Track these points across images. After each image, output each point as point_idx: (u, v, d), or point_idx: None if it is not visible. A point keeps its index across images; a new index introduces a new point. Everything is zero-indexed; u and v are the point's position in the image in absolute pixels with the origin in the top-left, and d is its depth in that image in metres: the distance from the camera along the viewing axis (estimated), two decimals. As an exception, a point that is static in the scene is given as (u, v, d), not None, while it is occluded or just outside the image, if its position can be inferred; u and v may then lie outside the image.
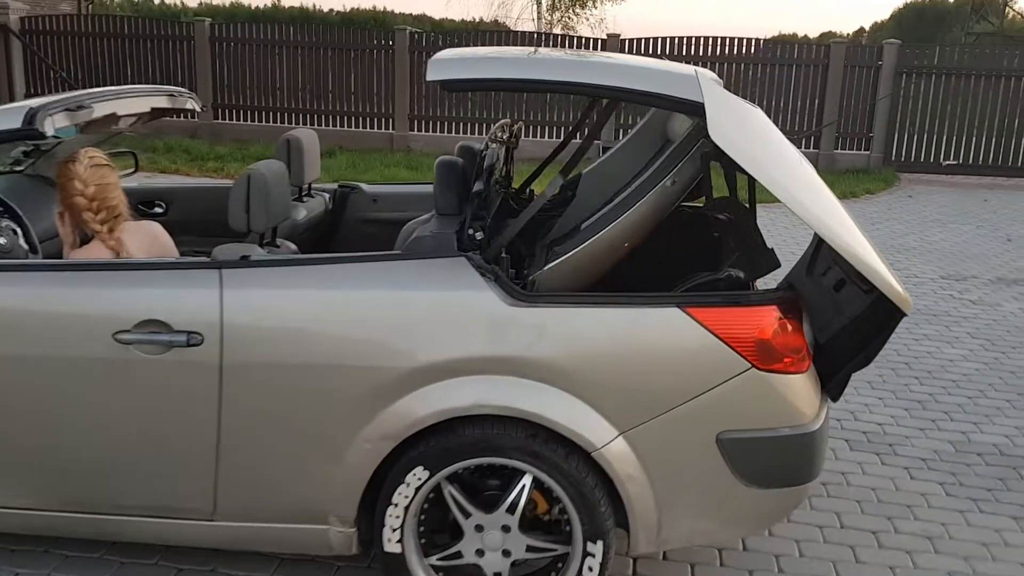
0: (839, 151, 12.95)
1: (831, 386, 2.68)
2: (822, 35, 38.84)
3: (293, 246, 3.10)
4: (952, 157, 12.85)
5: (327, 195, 3.90)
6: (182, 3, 33.84)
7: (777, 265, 2.64)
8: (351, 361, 2.48)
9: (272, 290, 2.52)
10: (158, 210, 4.13)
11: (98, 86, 13.76)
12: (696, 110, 2.46)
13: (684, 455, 2.49)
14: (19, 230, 3.37)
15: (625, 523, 2.54)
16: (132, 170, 4.35)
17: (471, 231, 2.71)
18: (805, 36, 40.76)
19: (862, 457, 3.92)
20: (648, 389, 2.45)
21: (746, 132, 2.56)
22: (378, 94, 13.40)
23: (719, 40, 13.05)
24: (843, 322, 2.58)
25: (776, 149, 2.67)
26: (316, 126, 13.48)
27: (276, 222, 2.89)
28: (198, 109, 3.78)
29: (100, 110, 3.02)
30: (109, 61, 13.78)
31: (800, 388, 2.51)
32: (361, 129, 13.50)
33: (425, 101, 13.43)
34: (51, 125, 2.69)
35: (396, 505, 2.57)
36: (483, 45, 13.40)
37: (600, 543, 2.52)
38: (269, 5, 30.59)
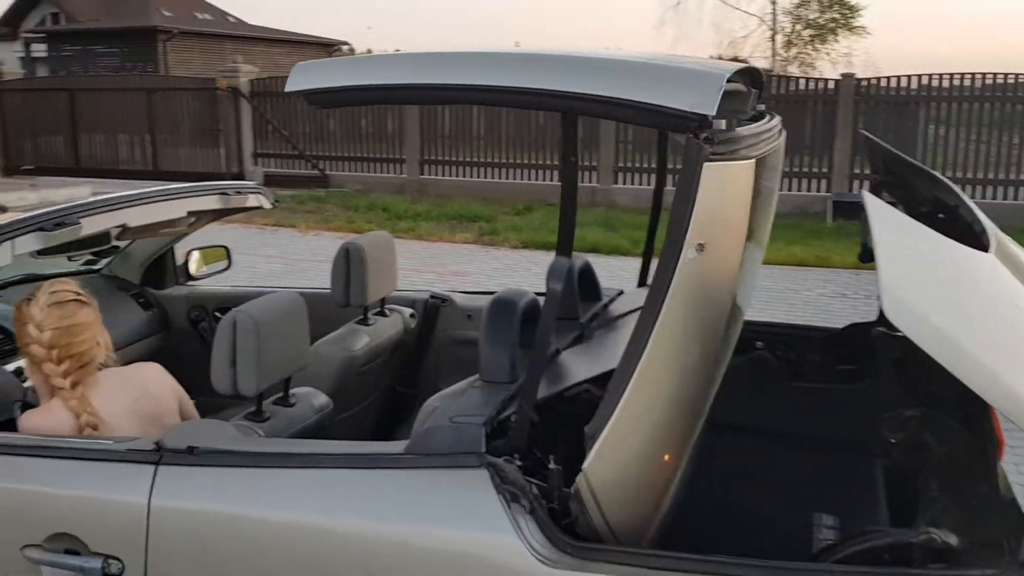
0: None
1: None
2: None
3: (321, 399, 2.34)
4: None
5: (407, 311, 3.13)
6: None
7: None
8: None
9: (212, 504, 1.75)
10: (236, 319, 3.54)
11: (318, 145, 14.17)
12: (693, 127, 1.52)
13: None
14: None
15: None
16: (225, 266, 3.82)
17: (510, 416, 1.81)
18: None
19: None
20: None
21: (948, 299, 1.49)
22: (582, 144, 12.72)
23: (976, 76, 11.20)
24: None
25: (993, 311, 1.56)
26: (524, 180, 12.97)
27: (279, 377, 2.15)
28: (267, 206, 3.16)
29: (95, 224, 2.43)
30: (333, 121, 14.04)
31: None
32: (565, 183, 12.82)
33: (630, 149, 12.56)
34: (7, 253, 2.10)
35: None
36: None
37: None
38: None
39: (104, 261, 3.60)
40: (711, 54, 27.18)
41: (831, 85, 11.84)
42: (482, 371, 1.97)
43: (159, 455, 1.83)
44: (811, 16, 24.52)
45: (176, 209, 2.79)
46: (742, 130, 1.70)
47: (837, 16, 24.26)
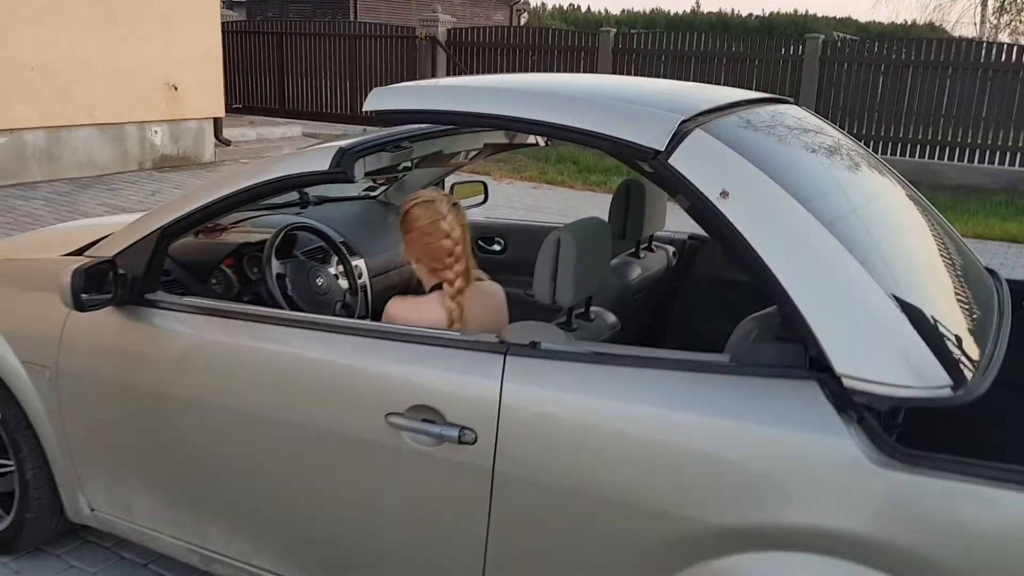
0: None
1: None
2: None
3: (612, 318, 2.58)
4: None
5: (671, 249, 3.32)
6: (606, 11, 34.30)
7: None
8: (640, 500, 1.90)
9: (557, 391, 2.02)
10: (496, 247, 3.85)
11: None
12: (644, 157, 1.97)
13: None
14: (343, 266, 3.24)
15: None
16: (481, 200, 4.13)
17: None
18: None
19: None
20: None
21: None
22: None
23: None
24: None
25: None
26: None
27: (588, 293, 2.39)
28: (541, 144, 3.42)
29: (422, 150, 2.74)
30: (522, 71, 14.36)
31: None
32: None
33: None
34: (361, 168, 2.43)
35: None
36: (914, 51, 11.89)
37: None
38: (688, 11, 29.99)
39: (380, 189, 3.99)
40: (914, 17, 25.63)
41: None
42: None
43: (506, 347, 2.12)
44: (1029, -20, 22.78)
45: (476, 140, 3.08)
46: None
47: (1058, -19, 22.44)
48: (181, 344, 2.52)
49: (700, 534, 1.84)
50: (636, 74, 13.35)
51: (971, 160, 11.49)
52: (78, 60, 9.33)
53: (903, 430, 1.79)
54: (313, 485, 2.34)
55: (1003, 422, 2.54)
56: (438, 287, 2.46)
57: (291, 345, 2.35)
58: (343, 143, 2.47)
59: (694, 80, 12.79)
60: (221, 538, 2.56)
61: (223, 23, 16.38)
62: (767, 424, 1.82)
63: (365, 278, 3.35)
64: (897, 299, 1.80)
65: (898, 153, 11.88)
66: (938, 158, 11.68)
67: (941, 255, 2.43)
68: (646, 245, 3.23)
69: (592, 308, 2.55)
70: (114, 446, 2.68)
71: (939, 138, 11.63)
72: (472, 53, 14.75)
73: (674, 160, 1.95)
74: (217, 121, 11.24)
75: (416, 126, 2.74)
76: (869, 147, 11.86)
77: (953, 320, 2.03)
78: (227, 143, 11.47)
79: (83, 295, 2.45)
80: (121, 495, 2.73)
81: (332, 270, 3.15)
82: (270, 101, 16.39)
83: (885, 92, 11.87)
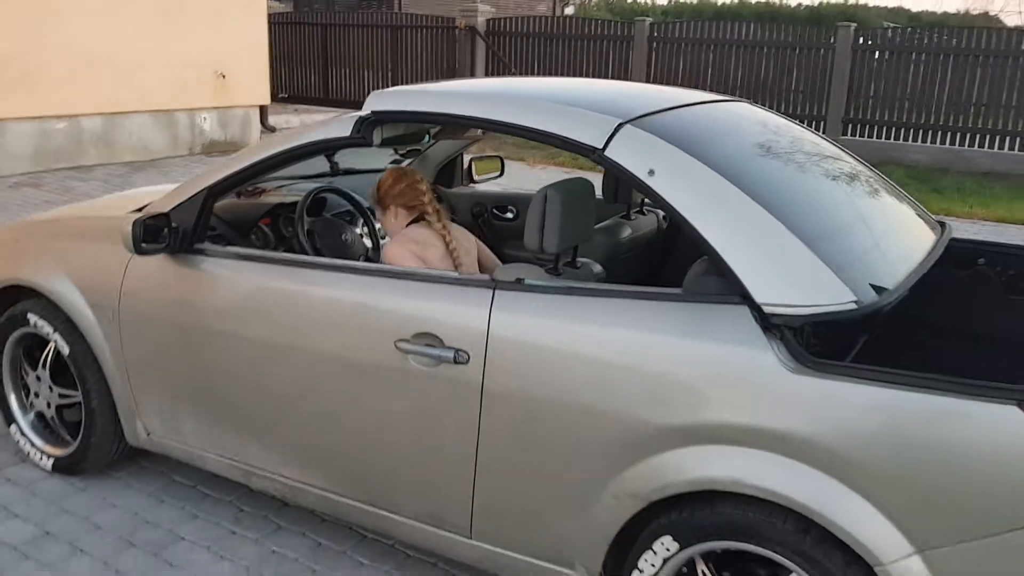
0: None
1: None
2: None
3: (597, 267, 2.94)
4: None
5: (662, 212, 3.66)
6: (652, 1, 33.92)
7: None
8: (603, 405, 2.26)
9: (537, 318, 2.39)
10: (509, 215, 4.22)
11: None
12: (588, 153, 2.42)
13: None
14: (367, 227, 3.64)
15: None
16: (498, 173, 4.50)
17: None
18: None
19: None
20: (966, 504, 1.90)
21: None
22: (814, 94, 12.64)
23: None
24: None
25: None
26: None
27: (572, 243, 2.75)
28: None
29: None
30: (560, 61, 14.67)
31: None
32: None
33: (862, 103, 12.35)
34: (379, 135, 2.81)
35: (642, 572, 2.30)
36: (962, 40, 11.96)
37: None
38: (736, 1, 29.68)
39: (407, 161, 4.38)
40: (964, 6, 25.41)
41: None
42: None
43: (494, 283, 2.49)
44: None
45: None
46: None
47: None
48: (224, 286, 2.93)
49: (651, 433, 2.19)
50: (672, 62, 13.61)
51: (1000, 147, 11.58)
52: (134, 50, 9.88)
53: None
54: (333, 403, 2.73)
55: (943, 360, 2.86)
56: (416, 220, 3.07)
57: (317, 285, 2.74)
58: (363, 112, 2.85)
59: (728, 68, 13.03)
60: (258, 454, 2.97)
61: (270, 15, 16.97)
62: (707, 341, 2.17)
63: (387, 239, 3.75)
64: (805, 239, 2.15)
65: (928, 140, 12.01)
66: (968, 145, 11.79)
67: (863, 207, 2.78)
68: (637, 208, 3.57)
69: (579, 259, 2.91)
70: (167, 376, 3.10)
71: (969, 125, 11.74)
72: (510, 42, 15.10)
73: (610, 152, 2.40)
74: (263, 108, 11.77)
75: None
76: (900, 133, 12.06)
77: (862, 254, 2.39)
78: (272, 130, 11.99)
79: (143, 243, 2.87)
80: (173, 420, 3.16)
81: (358, 230, 3.55)
82: (314, 91, 16.89)
83: (916, 79, 12.01)
